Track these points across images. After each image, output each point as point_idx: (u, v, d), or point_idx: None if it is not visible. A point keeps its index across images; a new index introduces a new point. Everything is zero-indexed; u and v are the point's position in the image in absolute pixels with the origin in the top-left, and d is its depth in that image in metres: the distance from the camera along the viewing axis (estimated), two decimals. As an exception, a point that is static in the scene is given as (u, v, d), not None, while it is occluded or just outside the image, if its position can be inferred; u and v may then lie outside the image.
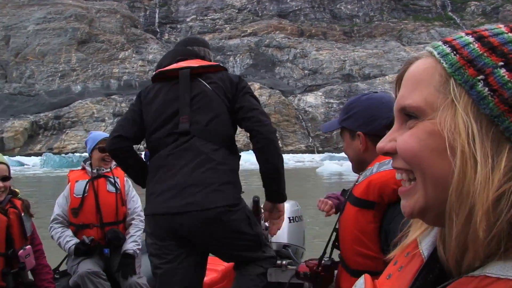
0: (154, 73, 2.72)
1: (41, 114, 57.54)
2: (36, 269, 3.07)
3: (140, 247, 3.58)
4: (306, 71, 77.28)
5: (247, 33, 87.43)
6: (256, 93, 2.80)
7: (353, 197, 1.74)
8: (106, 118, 58.78)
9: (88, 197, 3.56)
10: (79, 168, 3.81)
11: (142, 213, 3.54)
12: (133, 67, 70.77)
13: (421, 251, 0.72)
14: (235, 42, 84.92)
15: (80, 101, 59.99)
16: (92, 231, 3.52)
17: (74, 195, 3.57)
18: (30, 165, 39.35)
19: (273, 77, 76.44)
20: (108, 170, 3.73)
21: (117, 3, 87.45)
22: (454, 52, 0.64)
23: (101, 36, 73.39)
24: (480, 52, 0.61)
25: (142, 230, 3.61)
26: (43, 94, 63.71)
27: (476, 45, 0.62)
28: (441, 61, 0.64)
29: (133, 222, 3.70)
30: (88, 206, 3.55)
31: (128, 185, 3.80)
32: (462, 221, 0.59)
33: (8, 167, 3.01)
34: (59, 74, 67.51)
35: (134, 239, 3.60)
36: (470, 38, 0.64)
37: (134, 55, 73.62)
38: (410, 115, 0.66)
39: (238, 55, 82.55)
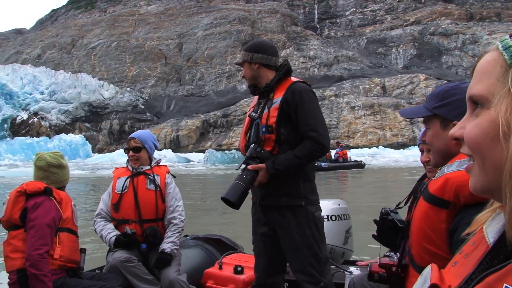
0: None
1: (211, 113, 61.09)
2: None
3: (177, 247, 3.58)
4: (477, 59, 70.60)
5: (409, 22, 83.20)
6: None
7: (427, 192, 1.66)
8: (270, 115, 60.10)
9: (127, 193, 3.63)
10: (125, 166, 3.86)
11: (184, 213, 3.68)
12: (294, 64, 71.62)
13: (486, 238, 0.74)
14: (397, 32, 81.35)
15: (245, 99, 62.28)
16: (131, 226, 3.55)
17: (116, 191, 3.66)
18: (195, 161, 41.65)
19: (439, 67, 71.35)
20: (148, 168, 3.74)
21: (277, 3, 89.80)
22: None
23: (263, 36, 75.60)
24: None
25: (182, 231, 3.65)
26: (212, 94, 67.78)
27: None
28: (503, 53, 0.67)
29: (173, 221, 3.63)
30: (127, 201, 3.62)
31: (170, 182, 3.77)
32: None
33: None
34: (226, 75, 71.29)
35: (173, 240, 3.55)
36: None
37: (295, 53, 74.59)
38: (477, 103, 0.70)
39: (401, 45, 78.97)
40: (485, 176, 0.68)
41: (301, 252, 2.77)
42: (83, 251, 3.38)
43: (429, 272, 0.80)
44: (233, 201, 2.56)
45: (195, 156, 44.89)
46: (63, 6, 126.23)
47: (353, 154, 34.97)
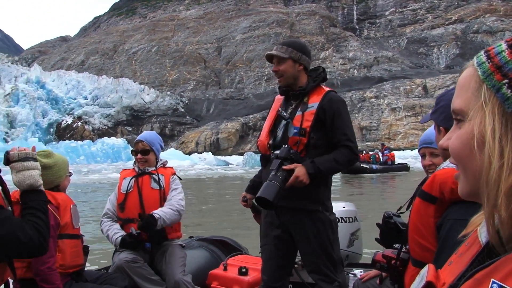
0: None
1: (250, 116, 61.31)
2: None
3: (167, 222, 3.55)
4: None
5: (451, 20, 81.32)
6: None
7: (421, 188, 1.76)
8: (310, 117, 59.77)
9: (132, 192, 3.70)
10: (132, 167, 3.93)
11: (183, 203, 3.69)
12: (334, 66, 71.10)
13: (479, 238, 0.77)
14: (439, 31, 79.72)
15: (284, 102, 62.35)
16: (136, 225, 3.56)
17: (121, 191, 3.74)
18: (234, 164, 41.60)
19: (484, 66, 69.27)
20: (153, 168, 3.81)
21: (315, 4, 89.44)
22: (489, 61, 0.70)
23: (302, 38, 75.37)
24: (508, 59, 0.68)
25: (177, 213, 3.62)
26: (251, 97, 68.04)
27: (506, 53, 0.69)
28: (477, 69, 0.72)
29: (170, 205, 3.64)
30: (131, 201, 3.69)
31: (174, 180, 3.81)
32: (492, 203, 0.67)
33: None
34: (265, 78, 71.43)
35: (165, 211, 3.54)
36: (504, 46, 0.71)
37: (334, 54, 74.09)
38: (459, 117, 0.76)
39: (443, 45, 77.32)
40: (467, 183, 0.74)
41: (317, 254, 2.84)
42: (86, 250, 3.31)
43: (425, 272, 0.84)
44: (271, 200, 2.49)
45: (234, 159, 44.92)
46: (105, 13, 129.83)
47: (396, 157, 34.34)
